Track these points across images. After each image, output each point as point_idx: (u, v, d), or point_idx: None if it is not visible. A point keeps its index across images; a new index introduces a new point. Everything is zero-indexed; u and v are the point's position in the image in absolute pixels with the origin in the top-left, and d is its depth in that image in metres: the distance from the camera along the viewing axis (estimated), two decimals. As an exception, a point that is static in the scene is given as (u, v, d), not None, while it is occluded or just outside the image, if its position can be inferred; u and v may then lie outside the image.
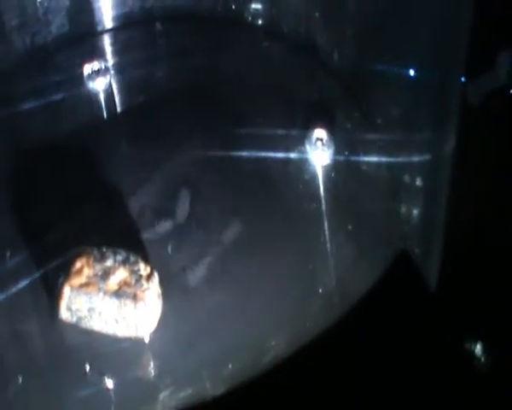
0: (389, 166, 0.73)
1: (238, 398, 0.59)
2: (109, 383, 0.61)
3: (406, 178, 0.73)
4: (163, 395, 0.60)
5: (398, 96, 0.74)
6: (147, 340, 0.62)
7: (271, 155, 0.74)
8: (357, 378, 0.60)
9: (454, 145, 0.69)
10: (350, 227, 0.69)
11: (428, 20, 0.70)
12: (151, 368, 0.62)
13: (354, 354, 0.61)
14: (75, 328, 0.62)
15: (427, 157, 0.72)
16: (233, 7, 0.85)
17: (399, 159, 0.73)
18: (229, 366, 0.61)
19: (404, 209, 0.72)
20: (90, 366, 0.61)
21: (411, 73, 0.72)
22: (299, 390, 0.60)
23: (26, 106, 0.77)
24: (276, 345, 0.63)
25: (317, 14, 0.82)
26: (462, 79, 0.72)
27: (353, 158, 0.74)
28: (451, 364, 0.61)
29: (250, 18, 0.85)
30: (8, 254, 0.67)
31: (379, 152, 0.74)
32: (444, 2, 0.69)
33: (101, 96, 0.79)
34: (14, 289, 0.65)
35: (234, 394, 0.59)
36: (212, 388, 0.61)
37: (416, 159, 0.72)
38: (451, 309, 0.64)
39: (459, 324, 0.64)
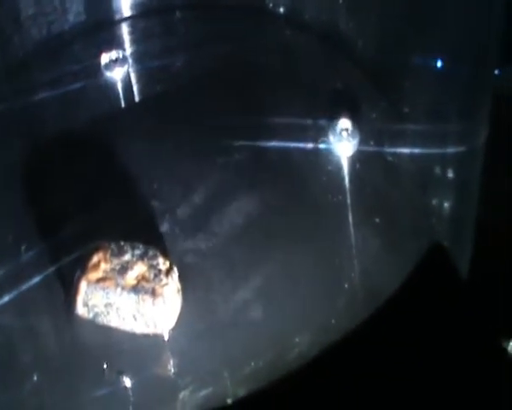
0: (417, 157, 0.72)
1: (260, 398, 0.58)
2: (127, 381, 0.60)
3: (436, 169, 0.72)
4: (183, 395, 0.59)
5: (427, 85, 0.73)
6: (166, 337, 0.61)
7: (295, 145, 0.73)
8: (385, 376, 0.59)
9: (486, 137, 0.67)
10: (377, 220, 0.68)
11: (458, 9, 0.68)
12: (170, 366, 0.61)
13: (383, 352, 0.60)
14: (92, 324, 0.61)
15: (457, 149, 0.70)
16: (254, -6, 0.84)
17: (428, 150, 0.72)
18: (252, 364, 0.60)
19: (433, 202, 0.71)
20: (108, 363, 0.60)
21: (439, 63, 0.71)
22: (325, 389, 0.58)
23: (43, 96, 0.77)
24: (300, 343, 0.61)
25: (340, 1, 0.80)
26: (496, 71, 0.70)
27: (379, 149, 0.72)
28: (485, 361, 0.60)
29: (271, 6, 0.84)
30: (23, 247, 0.66)
31: (406, 143, 0.72)
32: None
33: (119, 86, 0.78)
34: (29, 284, 0.64)
35: (256, 393, 0.58)
36: (234, 387, 0.59)
37: (446, 150, 0.71)
38: (484, 305, 0.63)
39: (492, 320, 0.63)
